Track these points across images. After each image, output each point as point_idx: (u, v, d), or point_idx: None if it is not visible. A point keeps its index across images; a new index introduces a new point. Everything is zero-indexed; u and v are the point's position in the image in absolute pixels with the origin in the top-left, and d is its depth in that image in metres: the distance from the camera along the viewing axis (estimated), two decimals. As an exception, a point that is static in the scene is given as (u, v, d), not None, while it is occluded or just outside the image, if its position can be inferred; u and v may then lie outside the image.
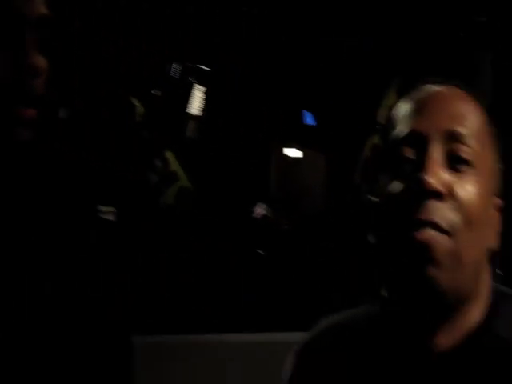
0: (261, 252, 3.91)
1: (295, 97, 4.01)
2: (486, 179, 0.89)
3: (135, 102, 3.79)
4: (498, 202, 0.93)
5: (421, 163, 0.85)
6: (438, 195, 0.83)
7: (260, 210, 3.81)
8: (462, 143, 0.86)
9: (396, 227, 0.85)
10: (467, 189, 0.85)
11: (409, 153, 0.87)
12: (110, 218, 3.59)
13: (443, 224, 0.82)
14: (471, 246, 0.84)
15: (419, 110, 0.90)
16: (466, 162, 0.86)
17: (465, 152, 0.86)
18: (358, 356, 0.94)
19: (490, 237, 0.90)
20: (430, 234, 0.81)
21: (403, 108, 0.92)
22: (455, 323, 0.86)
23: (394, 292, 0.89)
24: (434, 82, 0.94)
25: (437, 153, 0.86)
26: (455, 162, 0.86)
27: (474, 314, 0.88)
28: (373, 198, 0.93)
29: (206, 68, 3.38)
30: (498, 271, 0.98)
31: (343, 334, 0.99)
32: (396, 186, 0.87)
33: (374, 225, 0.91)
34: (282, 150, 3.98)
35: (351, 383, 0.93)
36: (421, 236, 0.81)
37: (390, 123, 0.93)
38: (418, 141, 0.87)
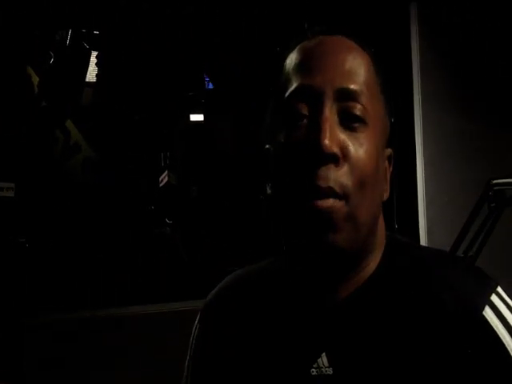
0: (168, 221, 3.91)
1: (197, 63, 3.99)
2: (378, 133, 0.88)
3: (30, 71, 3.72)
4: (389, 152, 0.93)
5: (315, 122, 0.83)
6: (335, 159, 0.82)
7: (164, 176, 3.80)
8: (355, 101, 0.85)
9: (294, 192, 0.84)
10: (361, 148, 0.84)
11: (302, 108, 0.85)
12: (10, 194, 3.51)
13: (338, 190, 0.81)
14: (366, 205, 0.84)
15: (310, 63, 0.87)
16: (360, 120, 0.84)
17: (358, 109, 0.84)
18: (260, 308, 0.95)
19: (382, 190, 0.90)
20: (327, 202, 0.81)
21: (294, 59, 0.89)
22: (354, 277, 0.88)
23: (295, 252, 0.89)
24: (323, 31, 0.91)
25: (330, 112, 0.84)
26: (349, 120, 0.84)
27: (371, 266, 0.89)
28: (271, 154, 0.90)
29: (96, 32, 3.32)
30: (395, 226, 0.98)
31: (246, 288, 0.99)
32: (292, 145, 0.85)
33: (272, 186, 0.90)
34: (187, 117, 3.99)
35: (252, 335, 0.94)
36: (320, 205, 0.81)
37: (282, 74, 0.92)
38: (311, 96, 0.85)
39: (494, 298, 0.85)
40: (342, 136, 0.83)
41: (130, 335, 2.89)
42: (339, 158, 0.82)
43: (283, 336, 0.90)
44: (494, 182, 2.52)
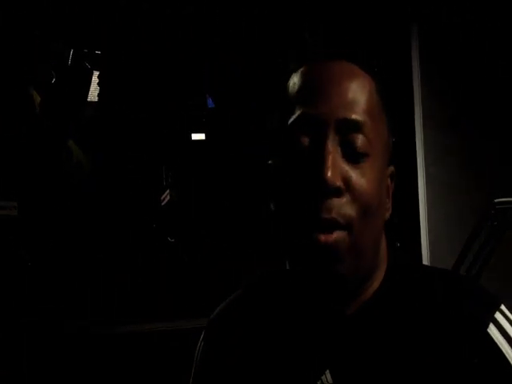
0: (170, 239, 3.91)
1: (199, 82, 4.02)
2: (381, 158, 0.89)
3: (31, 91, 3.74)
4: (391, 170, 0.94)
5: (318, 155, 0.85)
6: (337, 191, 0.83)
7: (165, 195, 3.81)
8: (357, 131, 0.86)
9: (297, 223, 0.85)
10: (364, 179, 0.85)
11: (305, 138, 0.87)
12: (13, 213, 3.51)
13: (342, 221, 0.83)
14: (369, 232, 0.86)
15: (313, 91, 0.88)
16: (362, 150, 0.86)
17: (360, 141, 0.86)
18: (264, 325, 0.95)
19: (384, 210, 0.91)
20: (331, 237, 0.83)
21: (297, 83, 0.91)
22: (357, 296, 0.90)
23: (299, 276, 0.90)
24: (326, 55, 0.92)
25: (333, 144, 0.85)
26: (351, 152, 0.86)
27: (374, 285, 0.91)
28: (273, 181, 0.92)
29: (98, 52, 3.33)
30: (397, 244, 0.99)
31: (248, 305, 1.00)
32: (295, 176, 0.87)
33: (275, 209, 0.91)
34: (189, 135, 4.02)
35: (256, 352, 0.94)
36: (324, 239, 0.83)
37: (285, 96, 0.92)
38: (314, 126, 0.86)
39: (498, 316, 0.86)
40: (345, 168, 0.85)
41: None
42: (342, 190, 0.84)
43: (287, 352, 0.91)
44: (497, 201, 2.53)
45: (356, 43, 0.95)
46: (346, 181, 0.84)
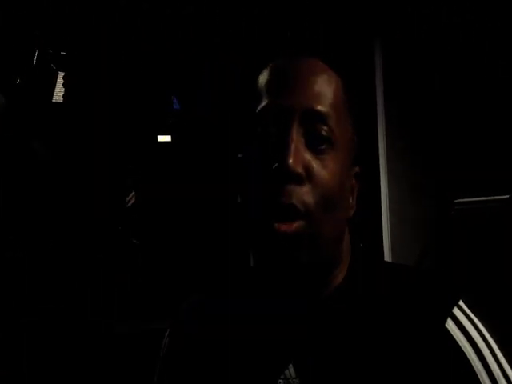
0: (135, 241, 3.88)
1: (163, 82, 4.00)
2: (345, 153, 0.91)
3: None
4: (356, 169, 0.96)
5: (282, 142, 0.87)
6: (298, 178, 0.85)
7: (131, 197, 3.78)
8: (322, 122, 0.88)
9: (258, 209, 0.87)
10: (326, 169, 0.87)
11: (271, 126, 0.89)
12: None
13: (301, 208, 0.84)
14: (329, 224, 0.87)
15: (281, 82, 0.91)
16: (326, 142, 0.88)
17: (324, 131, 0.88)
18: (226, 320, 0.96)
19: (347, 207, 0.93)
20: (291, 226, 0.84)
21: (266, 76, 0.93)
22: (320, 289, 0.92)
23: (260, 264, 0.91)
24: (297, 52, 0.95)
25: (297, 133, 0.87)
26: (315, 142, 0.88)
27: (338, 278, 0.93)
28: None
29: (63, 53, 3.31)
30: (360, 244, 1.00)
31: (211, 303, 1.01)
32: (259, 163, 0.89)
33: (241, 197, 0.93)
34: (155, 137, 3.99)
35: (219, 347, 0.95)
36: (282, 229, 0.84)
37: (255, 89, 0.94)
38: (280, 115, 0.89)
39: (456, 311, 0.89)
40: (307, 157, 0.87)
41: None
42: (303, 177, 0.85)
43: (250, 347, 0.92)
44: (457, 201, 2.58)
45: (325, 44, 0.97)
46: (308, 170, 0.86)
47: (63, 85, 3.48)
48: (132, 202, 3.80)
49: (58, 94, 3.52)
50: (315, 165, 0.87)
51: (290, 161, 0.85)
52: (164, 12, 3.55)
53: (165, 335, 1.06)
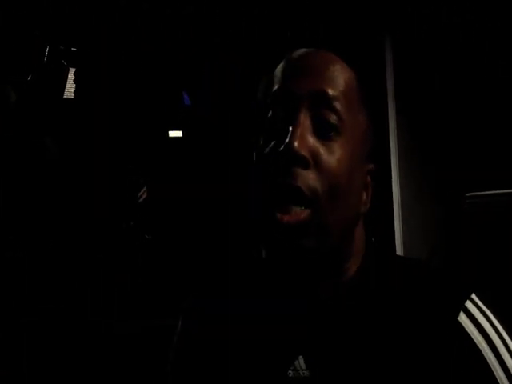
0: (147, 236, 3.90)
1: (175, 79, 4.01)
2: (355, 145, 0.89)
3: (8, 88, 3.71)
4: (371, 167, 0.94)
5: (289, 127, 0.86)
6: (303, 162, 0.85)
7: (142, 192, 3.80)
8: (330, 107, 0.88)
9: (265, 194, 0.86)
10: (333, 156, 0.86)
11: (280, 111, 0.89)
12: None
13: (307, 192, 0.84)
14: (336, 213, 0.86)
15: (292, 69, 0.91)
16: (334, 128, 0.87)
17: (332, 118, 0.87)
18: (237, 312, 0.96)
19: (358, 201, 0.92)
20: (293, 215, 0.84)
21: (280, 67, 0.94)
22: (332, 280, 0.91)
23: (271, 254, 0.91)
24: (310, 45, 0.95)
25: (305, 117, 0.87)
26: (323, 128, 0.87)
27: (351, 269, 0.92)
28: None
29: (74, 49, 3.33)
30: (372, 239, 1.00)
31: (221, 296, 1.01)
32: (267, 148, 0.89)
33: (251, 186, 0.92)
34: (166, 132, 4.01)
35: (230, 339, 0.95)
36: (285, 218, 0.84)
37: (267, 83, 0.94)
38: (289, 100, 0.88)
39: (469, 305, 0.88)
40: (314, 142, 0.86)
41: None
42: (309, 161, 0.85)
43: (261, 338, 0.92)
44: (469, 195, 2.57)
45: (337, 41, 0.98)
46: (314, 155, 0.86)
47: (74, 81, 3.49)
48: (144, 197, 3.81)
49: (70, 90, 3.54)
50: (322, 151, 0.86)
51: (296, 144, 0.84)
52: (164, 12, 3.56)
53: (176, 330, 1.05)
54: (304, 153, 0.84)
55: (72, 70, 3.53)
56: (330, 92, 0.88)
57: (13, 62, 3.56)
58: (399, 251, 3.01)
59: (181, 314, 1.05)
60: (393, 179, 3.15)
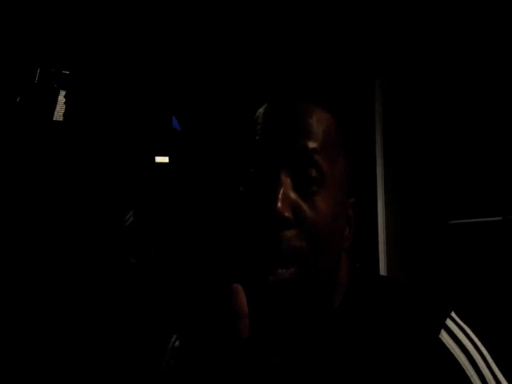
0: (133, 260, 3.89)
1: (164, 104, 4.03)
2: (336, 190, 0.91)
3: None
4: (351, 201, 0.96)
5: (271, 186, 0.87)
6: (287, 223, 0.85)
7: (129, 216, 3.80)
8: (311, 162, 0.88)
9: (252, 258, 0.87)
10: (316, 210, 0.87)
11: (261, 168, 0.90)
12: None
13: (290, 252, 0.85)
14: (321, 261, 0.88)
15: (269, 122, 0.92)
16: (315, 182, 0.88)
17: (313, 172, 0.88)
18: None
19: (341, 241, 0.94)
20: (278, 275, 0.85)
21: (258, 117, 0.95)
22: (319, 313, 0.93)
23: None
24: (289, 93, 0.95)
25: (286, 175, 0.88)
26: (303, 183, 0.88)
27: (337, 300, 0.95)
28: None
29: (66, 72, 3.36)
30: (357, 264, 1.01)
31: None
32: (250, 209, 0.89)
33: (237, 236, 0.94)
34: (153, 158, 4.02)
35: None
36: (271, 278, 0.85)
37: (252, 131, 0.95)
38: (268, 155, 0.89)
39: (449, 323, 0.91)
40: (296, 199, 0.87)
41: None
42: (291, 221, 0.86)
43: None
44: (452, 222, 2.61)
45: (321, 87, 0.99)
46: (297, 213, 0.86)
47: (64, 103, 3.52)
48: (130, 221, 3.81)
49: (59, 113, 3.56)
50: (304, 207, 0.87)
51: (278, 205, 0.85)
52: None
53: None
54: (287, 214, 0.85)
55: (62, 93, 3.55)
56: (310, 146, 0.89)
57: (2, 82, 3.58)
58: (383, 273, 3.03)
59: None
60: (378, 206, 3.19)
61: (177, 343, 1.05)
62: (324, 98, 0.95)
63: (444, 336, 0.90)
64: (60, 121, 3.67)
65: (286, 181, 0.87)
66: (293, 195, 0.87)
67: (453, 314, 0.93)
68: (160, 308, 3.61)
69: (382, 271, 3.04)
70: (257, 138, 0.92)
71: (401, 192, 3.25)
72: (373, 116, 3.37)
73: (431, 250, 2.59)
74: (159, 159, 4.01)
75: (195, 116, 3.98)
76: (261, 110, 0.96)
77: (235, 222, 0.93)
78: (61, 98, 3.58)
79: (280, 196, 0.86)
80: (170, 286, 3.76)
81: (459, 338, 0.90)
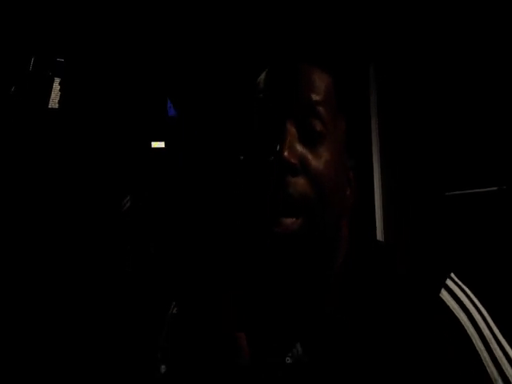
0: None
1: (160, 89, 4.02)
2: (338, 145, 0.94)
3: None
4: (352, 162, 0.99)
5: (278, 136, 0.90)
6: (294, 169, 0.88)
7: (126, 201, 3.79)
8: (315, 114, 0.92)
9: (256, 203, 0.90)
10: (320, 160, 0.90)
11: (266, 120, 0.93)
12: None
13: (297, 199, 0.88)
14: (326, 215, 0.91)
15: (273, 79, 0.95)
16: (319, 134, 0.91)
17: (317, 124, 0.91)
18: (234, 302, 0.99)
19: (344, 198, 0.96)
20: (284, 226, 0.87)
21: (261, 78, 0.98)
22: (322, 271, 0.95)
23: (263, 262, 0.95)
24: (290, 55, 0.98)
25: (291, 126, 0.91)
26: (309, 134, 0.91)
27: (338, 261, 0.97)
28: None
29: (60, 59, 3.35)
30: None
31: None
32: (258, 156, 0.92)
33: (241, 193, 0.95)
34: (149, 143, 4.01)
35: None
36: (277, 230, 0.87)
37: (256, 95, 0.98)
38: (274, 109, 0.92)
39: (449, 283, 0.94)
40: (302, 149, 0.91)
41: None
42: (298, 169, 0.89)
43: (261, 328, 0.96)
44: (448, 194, 2.64)
45: (322, 50, 1.01)
46: (303, 162, 0.90)
47: (59, 90, 3.52)
48: (127, 206, 3.81)
49: (54, 100, 3.56)
50: (310, 157, 0.90)
51: (286, 153, 0.88)
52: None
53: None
54: (294, 161, 0.88)
55: (57, 80, 3.55)
56: (314, 97, 0.93)
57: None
58: (380, 238, 3.06)
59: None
60: (374, 174, 3.20)
61: (175, 310, 1.08)
62: (324, 60, 0.98)
63: (444, 295, 0.92)
64: (55, 108, 3.66)
65: (292, 131, 0.91)
66: (298, 145, 0.91)
67: (452, 275, 0.95)
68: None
69: (379, 235, 3.07)
70: (260, 95, 0.95)
71: (397, 165, 3.27)
72: (367, 80, 3.38)
73: (428, 221, 2.62)
74: (155, 144, 4.00)
75: (191, 99, 3.97)
76: (262, 76, 0.99)
77: (241, 176, 0.96)
78: (55, 86, 3.58)
79: (287, 144, 0.89)
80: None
81: (459, 297, 0.93)
